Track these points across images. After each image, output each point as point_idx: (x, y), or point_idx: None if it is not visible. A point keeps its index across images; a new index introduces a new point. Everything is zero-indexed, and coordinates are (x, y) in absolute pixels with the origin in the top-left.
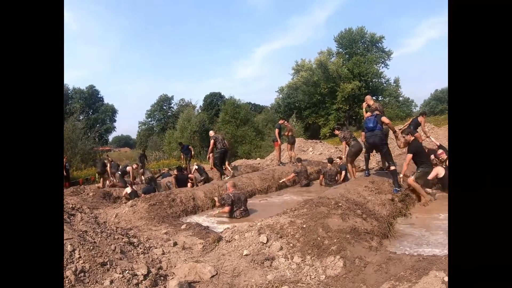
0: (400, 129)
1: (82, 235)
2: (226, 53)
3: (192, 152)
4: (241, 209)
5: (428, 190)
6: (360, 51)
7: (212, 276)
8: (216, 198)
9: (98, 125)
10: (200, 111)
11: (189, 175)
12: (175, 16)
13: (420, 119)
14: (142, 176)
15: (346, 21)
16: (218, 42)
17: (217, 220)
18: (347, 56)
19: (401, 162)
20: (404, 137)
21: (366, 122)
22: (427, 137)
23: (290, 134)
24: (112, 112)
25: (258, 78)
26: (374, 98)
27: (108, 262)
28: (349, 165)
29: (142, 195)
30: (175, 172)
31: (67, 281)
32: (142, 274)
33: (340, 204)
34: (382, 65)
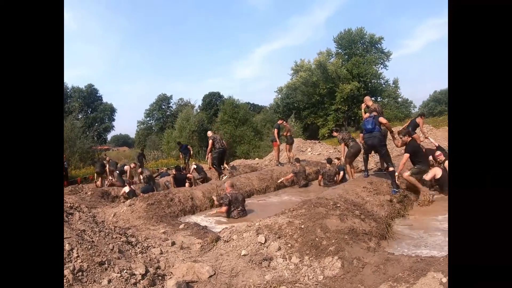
0: (398, 131)
1: (80, 234)
2: (225, 53)
3: (191, 152)
4: (239, 209)
5: (427, 194)
6: (359, 51)
7: (210, 276)
8: (214, 197)
9: (96, 124)
10: (198, 110)
11: (188, 175)
12: (175, 16)
13: (419, 120)
14: (141, 176)
15: (345, 21)
16: (218, 42)
17: (215, 220)
18: (346, 56)
19: (399, 163)
20: (401, 138)
21: (364, 123)
22: (425, 138)
23: (289, 134)
24: (111, 111)
25: (257, 78)
26: (373, 99)
27: (106, 262)
28: (347, 166)
29: (141, 194)
30: (174, 171)
31: (65, 280)
32: (140, 274)
33: (338, 205)
34: (381, 66)
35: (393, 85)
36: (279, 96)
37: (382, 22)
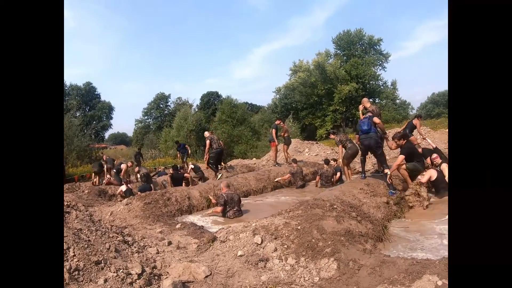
0: (393, 136)
1: (76, 233)
2: (225, 53)
3: (189, 151)
4: (234, 209)
5: (425, 195)
6: (358, 53)
7: (206, 276)
8: (211, 197)
9: (94, 122)
10: (196, 110)
11: (185, 174)
12: (175, 16)
13: (415, 121)
14: (138, 174)
15: (345, 22)
16: (217, 42)
17: (211, 220)
18: (345, 57)
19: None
20: (396, 141)
21: (360, 124)
22: (423, 139)
23: (286, 135)
24: (108, 109)
25: (256, 79)
26: (371, 100)
27: (102, 261)
28: (345, 167)
29: (138, 193)
30: (171, 170)
31: None
32: (136, 273)
33: (335, 206)
34: (380, 67)
35: (391, 87)
36: (277, 96)
37: (381, 24)
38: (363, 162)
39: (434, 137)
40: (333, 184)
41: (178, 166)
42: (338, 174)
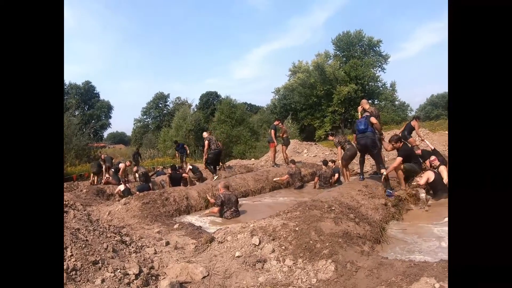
0: (389, 139)
1: (74, 233)
2: (225, 53)
3: (188, 151)
4: (232, 209)
5: (423, 196)
6: (357, 54)
7: (204, 277)
8: (209, 197)
9: (93, 121)
10: (195, 110)
11: (183, 174)
12: (175, 16)
13: (414, 123)
14: (136, 174)
15: (345, 23)
16: (217, 42)
17: (209, 220)
18: (344, 59)
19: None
20: (393, 144)
21: (357, 124)
22: (422, 140)
23: (285, 135)
24: (107, 108)
25: (255, 79)
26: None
27: (100, 261)
28: (343, 168)
29: (137, 193)
30: (169, 170)
31: None
32: (133, 274)
33: (333, 208)
34: (379, 69)
35: (390, 88)
36: (276, 97)
37: (381, 25)
38: (361, 163)
39: (433, 139)
40: (332, 185)
41: (177, 166)
42: (336, 175)
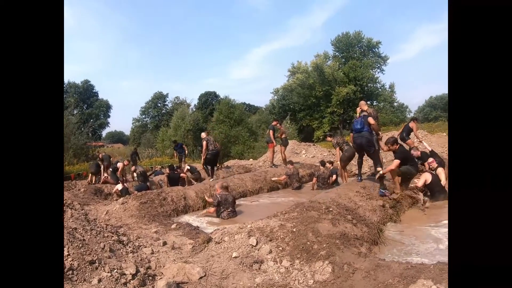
0: (385, 141)
1: (71, 232)
2: (224, 53)
3: (186, 151)
4: (229, 210)
5: (420, 198)
6: (356, 55)
7: (201, 278)
8: (206, 197)
9: (92, 120)
10: (194, 109)
11: (181, 174)
12: (175, 16)
13: (412, 124)
14: (134, 173)
15: (344, 24)
16: (217, 42)
17: (207, 220)
18: (343, 60)
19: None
20: (389, 147)
21: (353, 123)
22: (420, 142)
23: (284, 136)
24: (106, 107)
25: (254, 79)
26: (368, 103)
27: (96, 261)
28: (341, 169)
29: (135, 192)
30: (167, 170)
31: None
32: (130, 274)
33: (330, 209)
34: (378, 70)
35: (389, 90)
36: (275, 97)
37: (380, 25)
38: (359, 164)
39: (431, 141)
40: (330, 186)
41: (175, 166)
42: (334, 176)
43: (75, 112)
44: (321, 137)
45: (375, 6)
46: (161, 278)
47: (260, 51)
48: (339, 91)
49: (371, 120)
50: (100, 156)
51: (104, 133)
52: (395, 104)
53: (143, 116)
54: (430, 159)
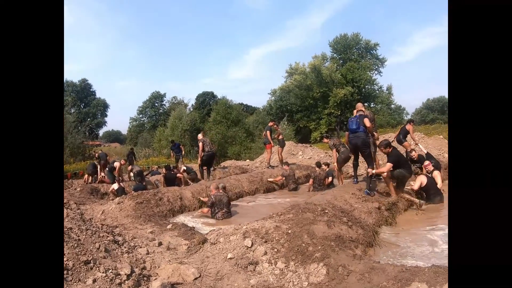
0: (378, 144)
1: (67, 232)
2: (222, 54)
3: (183, 151)
4: (223, 210)
5: (416, 200)
6: (354, 57)
7: (195, 279)
8: (202, 198)
9: (89, 119)
10: (191, 109)
11: (178, 175)
12: (173, 16)
13: (408, 127)
14: (131, 173)
15: (342, 26)
16: (215, 42)
17: (203, 221)
18: (341, 61)
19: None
20: (382, 150)
21: (349, 124)
22: (416, 144)
23: (281, 137)
24: (103, 106)
25: (252, 80)
26: (365, 105)
27: (91, 261)
28: (338, 171)
29: (131, 192)
30: (164, 170)
31: None
32: (125, 274)
33: (326, 211)
34: (376, 72)
35: (387, 92)
36: (273, 98)
37: (378, 28)
38: (355, 166)
39: (428, 143)
40: (326, 187)
41: (171, 166)
42: (330, 178)
43: (72, 111)
44: (318, 139)
45: (374, 9)
46: (156, 278)
47: (258, 51)
48: (337, 92)
49: (367, 121)
50: (96, 155)
51: (101, 132)
52: (392, 106)
53: (140, 116)
54: (426, 162)
